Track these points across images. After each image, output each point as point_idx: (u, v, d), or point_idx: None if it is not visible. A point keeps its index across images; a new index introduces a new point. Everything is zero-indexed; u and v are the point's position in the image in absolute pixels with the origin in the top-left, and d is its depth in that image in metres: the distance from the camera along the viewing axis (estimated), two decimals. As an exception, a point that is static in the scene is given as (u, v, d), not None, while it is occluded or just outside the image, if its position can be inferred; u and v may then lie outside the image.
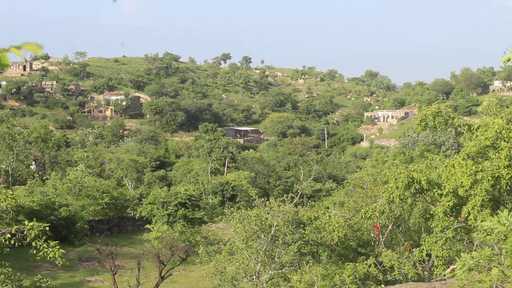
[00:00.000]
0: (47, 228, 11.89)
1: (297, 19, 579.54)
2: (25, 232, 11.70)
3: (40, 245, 11.69)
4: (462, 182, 17.17)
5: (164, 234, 37.73)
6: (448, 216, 18.30)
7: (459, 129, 21.37)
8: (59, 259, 11.89)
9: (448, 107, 21.74)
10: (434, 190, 18.83)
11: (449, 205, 17.80)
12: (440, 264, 19.44)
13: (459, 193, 17.49)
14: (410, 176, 18.70)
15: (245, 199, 60.38)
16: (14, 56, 4.56)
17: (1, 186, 43.88)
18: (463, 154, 18.58)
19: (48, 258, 11.91)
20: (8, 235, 11.80)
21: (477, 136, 19.21)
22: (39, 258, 12.23)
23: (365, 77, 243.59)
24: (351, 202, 28.63)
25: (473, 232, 17.75)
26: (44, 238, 11.77)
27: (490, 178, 16.82)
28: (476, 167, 17.22)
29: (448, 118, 20.88)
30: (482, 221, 16.42)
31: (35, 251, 12.21)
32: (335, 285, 21.86)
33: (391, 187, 19.00)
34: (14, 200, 13.92)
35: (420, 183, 18.65)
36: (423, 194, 19.46)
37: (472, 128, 20.18)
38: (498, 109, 20.71)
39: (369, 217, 20.17)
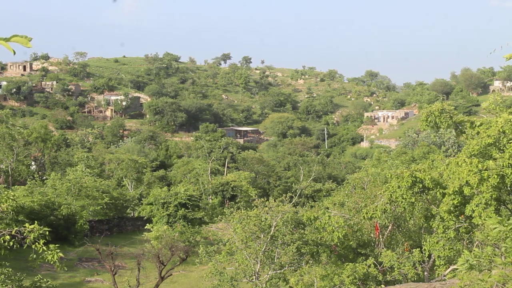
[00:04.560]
0: (47, 232, 11.87)
1: (297, 19, 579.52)
2: (24, 234, 11.68)
3: (40, 247, 11.66)
4: (467, 181, 17.09)
5: (164, 234, 37.71)
6: (451, 215, 18.24)
7: (460, 127, 21.39)
8: (58, 262, 11.87)
9: (450, 106, 21.82)
10: (437, 190, 18.79)
11: (453, 203, 17.72)
12: (441, 264, 19.42)
13: (464, 192, 17.41)
14: (414, 175, 18.67)
15: (245, 199, 60.39)
16: (14, 56, 4.53)
17: (1, 186, 43.88)
18: (466, 153, 18.54)
19: (46, 260, 11.88)
20: (8, 237, 11.78)
21: (478, 133, 19.17)
22: (40, 262, 12.19)
23: (365, 77, 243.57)
24: (351, 202, 28.60)
25: (476, 230, 17.72)
26: (43, 241, 11.74)
27: (496, 176, 16.76)
28: (482, 165, 17.16)
29: (452, 115, 20.92)
30: (485, 218, 16.39)
31: (35, 256, 12.19)
32: (335, 286, 21.83)
33: (393, 187, 18.95)
34: (14, 202, 13.87)
35: (423, 182, 18.62)
36: (424, 193, 19.42)
37: (474, 125, 20.15)
38: (502, 108, 20.70)
39: (371, 216, 20.11)
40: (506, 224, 7.73)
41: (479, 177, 16.86)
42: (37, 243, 11.64)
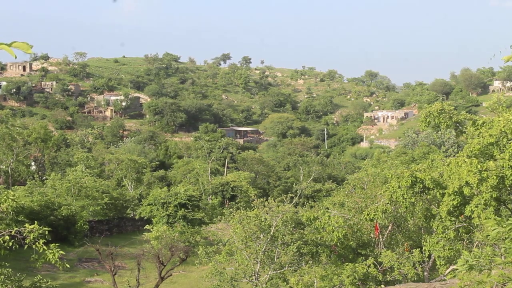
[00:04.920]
0: (47, 232, 11.87)
1: (297, 19, 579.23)
2: (24, 235, 11.68)
3: (40, 247, 11.68)
4: (467, 181, 17.07)
5: (164, 234, 37.73)
6: (451, 215, 18.24)
7: (460, 127, 21.37)
8: (59, 261, 11.87)
9: (450, 106, 21.82)
10: (437, 190, 18.78)
11: (453, 204, 17.71)
12: (442, 264, 19.42)
13: (464, 192, 17.39)
14: (414, 175, 18.66)
15: (245, 200, 60.39)
16: (15, 56, 4.58)
17: (1, 186, 43.87)
18: (467, 151, 18.52)
19: (47, 260, 11.88)
20: (7, 237, 11.78)
21: (480, 133, 19.14)
22: (40, 264, 12.18)
23: (365, 77, 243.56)
24: (351, 202, 28.61)
25: (476, 231, 17.72)
26: (43, 241, 11.75)
27: (495, 177, 16.75)
28: (481, 166, 17.14)
29: (452, 115, 20.91)
30: (485, 219, 16.40)
31: (36, 256, 12.20)
32: (334, 286, 21.83)
33: (393, 187, 18.94)
34: (14, 202, 13.87)
35: (423, 182, 18.61)
36: (424, 193, 19.41)
37: (476, 124, 20.12)
38: (504, 107, 20.70)
39: (372, 218, 20.08)
40: (505, 225, 7.76)
41: (479, 178, 16.85)
42: (37, 243, 11.65)
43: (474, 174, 16.90)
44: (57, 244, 12.27)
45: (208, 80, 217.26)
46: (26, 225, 11.69)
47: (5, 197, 13.58)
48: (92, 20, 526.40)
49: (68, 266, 14.70)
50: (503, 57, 6.68)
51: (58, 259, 11.90)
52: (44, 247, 11.71)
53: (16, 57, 4.55)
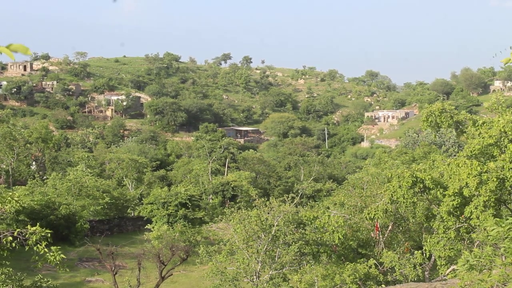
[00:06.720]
0: (49, 235, 11.88)
1: (297, 19, 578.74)
2: (26, 236, 11.69)
3: (42, 249, 11.68)
4: (467, 183, 17.06)
5: (164, 234, 37.74)
6: (452, 216, 18.24)
7: (461, 127, 21.39)
8: (59, 265, 11.88)
9: (450, 105, 21.84)
10: (437, 190, 18.79)
11: (453, 204, 17.72)
12: (443, 264, 19.44)
13: (464, 193, 17.39)
14: (414, 175, 18.67)
15: (246, 199, 60.42)
16: (15, 57, 4.62)
17: (2, 186, 43.89)
18: (467, 152, 18.51)
19: (48, 262, 11.88)
20: (10, 238, 11.79)
21: (480, 133, 19.14)
22: (41, 265, 12.19)
23: (366, 77, 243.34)
24: (350, 202, 28.62)
25: (476, 231, 17.72)
26: (45, 243, 11.76)
27: (495, 179, 16.72)
28: (481, 168, 17.11)
29: (453, 115, 20.92)
30: (484, 220, 16.41)
31: (37, 257, 12.21)
32: (336, 285, 21.84)
33: (394, 186, 18.95)
34: (18, 204, 13.86)
35: (423, 182, 18.61)
36: (425, 193, 19.42)
37: (476, 124, 20.11)
38: (504, 107, 20.70)
39: (373, 217, 20.08)
40: (504, 225, 7.78)
41: (478, 180, 16.83)
42: (38, 245, 11.65)
43: (473, 177, 16.89)
44: (58, 247, 12.27)
45: (209, 80, 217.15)
46: (28, 226, 11.69)
47: (9, 198, 13.57)
48: (92, 20, 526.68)
49: (68, 270, 14.70)
50: (502, 60, 6.71)
51: (59, 262, 11.91)
52: (46, 249, 11.72)
53: (14, 59, 4.60)
